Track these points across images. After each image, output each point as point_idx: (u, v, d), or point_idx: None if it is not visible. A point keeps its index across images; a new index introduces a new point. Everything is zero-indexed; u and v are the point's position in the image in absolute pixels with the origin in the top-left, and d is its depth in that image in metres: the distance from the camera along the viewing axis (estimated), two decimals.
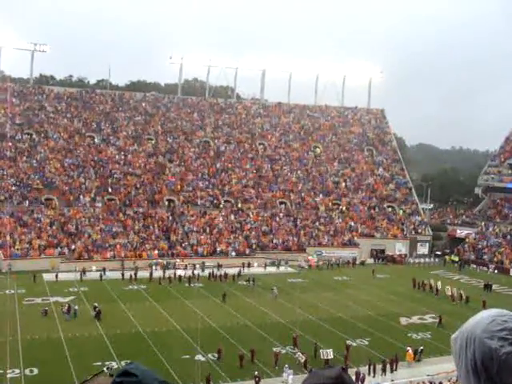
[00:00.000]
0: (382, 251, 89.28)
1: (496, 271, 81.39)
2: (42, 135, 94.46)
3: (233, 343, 44.17)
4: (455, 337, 2.15)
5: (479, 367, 2.00)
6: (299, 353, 41.81)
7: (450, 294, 63.07)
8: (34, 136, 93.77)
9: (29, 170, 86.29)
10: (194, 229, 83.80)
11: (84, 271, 67.83)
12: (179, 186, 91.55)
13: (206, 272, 70.81)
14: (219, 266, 72.81)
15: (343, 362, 39.76)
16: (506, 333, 2.00)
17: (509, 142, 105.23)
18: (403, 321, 53.45)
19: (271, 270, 76.64)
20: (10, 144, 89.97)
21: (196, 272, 70.36)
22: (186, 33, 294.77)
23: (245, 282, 65.93)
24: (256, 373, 36.93)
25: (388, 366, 40.37)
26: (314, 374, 2.11)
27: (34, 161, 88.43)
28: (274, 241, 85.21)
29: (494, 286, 69.68)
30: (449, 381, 36.49)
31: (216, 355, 41.21)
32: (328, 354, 40.41)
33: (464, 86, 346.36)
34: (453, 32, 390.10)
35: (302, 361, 40.10)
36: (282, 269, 77.49)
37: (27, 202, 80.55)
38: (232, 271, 70.42)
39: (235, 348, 42.31)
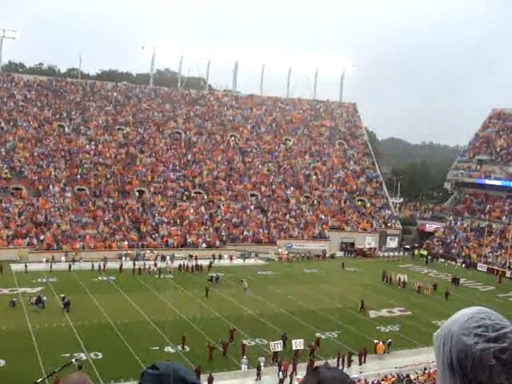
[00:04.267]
0: (352, 244, 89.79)
1: (464, 265, 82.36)
2: (11, 124, 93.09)
3: (202, 335, 44.06)
4: (437, 334, 2.16)
5: (455, 364, 2.01)
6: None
7: (416, 286, 63.98)
8: (3, 124, 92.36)
9: None
10: (165, 220, 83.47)
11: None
12: (150, 177, 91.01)
13: (176, 264, 70.29)
14: (195, 258, 72.12)
15: (311, 354, 40.08)
16: (482, 329, 2.00)
17: (478, 138, 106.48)
18: (372, 313, 53.97)
19: (238, 262, 76.23)
20: None
21: (164, 264, 69.74)
22: (159, 23, 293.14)
23: (209, 280, 62.24)
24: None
25: (357, 359, 40.77)
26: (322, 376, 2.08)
27: (3, 150, 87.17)
28: (245, 233, 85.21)
29: (461, 280, 70.60)
30: (416, 373, 36.93)
31: (185, 347, 41.16)
32: (299, 344, 40.71)
33: (436, 82, 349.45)
34: (427, 29, 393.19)
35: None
36: (251, 261, 77.43)
37: None
38: (203, 263, 70.19)
39: (204, 340, 42.19)
